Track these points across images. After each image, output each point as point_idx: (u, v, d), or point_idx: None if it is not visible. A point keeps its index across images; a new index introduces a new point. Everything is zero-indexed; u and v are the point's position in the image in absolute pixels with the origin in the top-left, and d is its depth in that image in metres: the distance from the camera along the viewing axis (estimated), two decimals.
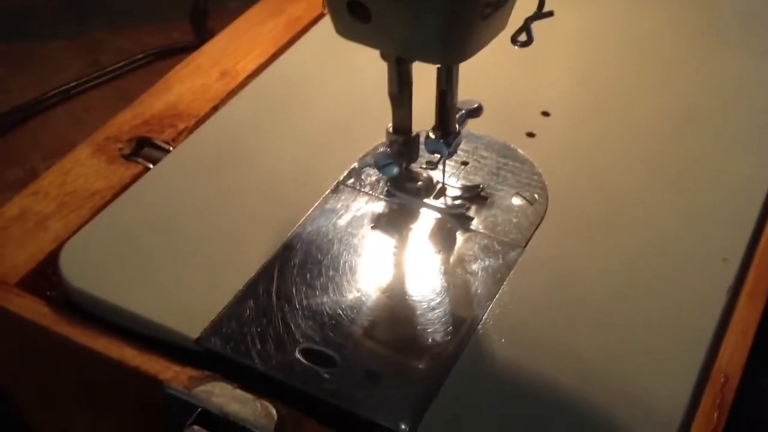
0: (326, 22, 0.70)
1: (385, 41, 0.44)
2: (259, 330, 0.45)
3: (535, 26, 0.46)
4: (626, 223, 0.51)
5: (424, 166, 0.53)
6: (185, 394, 0.42)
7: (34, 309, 0.48)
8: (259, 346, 0.45)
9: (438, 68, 0.48)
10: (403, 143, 0.51)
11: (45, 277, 0.50)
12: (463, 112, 0.51)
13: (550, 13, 0.43)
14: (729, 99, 0.60)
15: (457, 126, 0.50)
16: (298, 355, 0.44)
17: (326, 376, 0.43)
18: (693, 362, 0.43)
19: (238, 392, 0.42)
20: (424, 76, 0.48)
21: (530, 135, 0.57)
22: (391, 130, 0.51)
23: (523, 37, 0.43)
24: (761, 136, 0.56)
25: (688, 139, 0.57)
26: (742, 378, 0.43)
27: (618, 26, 0.67)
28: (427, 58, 0.45)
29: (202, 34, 0.96)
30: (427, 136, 0.51)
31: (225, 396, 0.42)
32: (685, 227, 0.50)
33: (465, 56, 0.44)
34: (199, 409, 0.42)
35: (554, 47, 0.64)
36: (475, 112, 0.51)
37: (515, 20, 0.46)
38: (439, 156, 0.52)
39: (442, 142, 0.50)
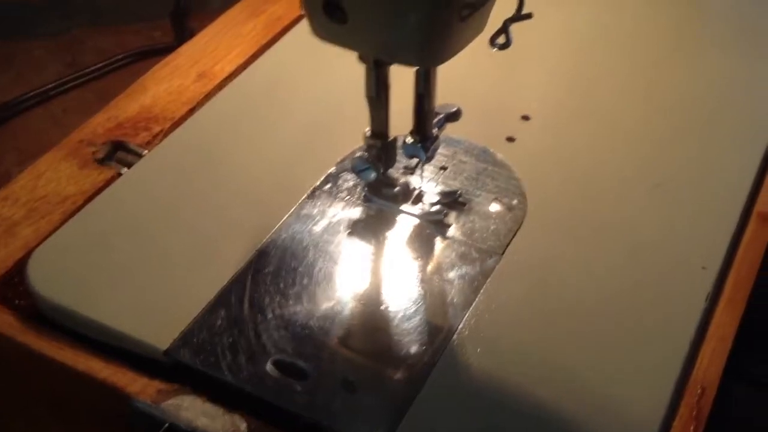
0: (306, 23, 0.68)
1: (362, 43, 0.43)
2: (230, 341, 0.44)
3: (515, 27, 0.45)
4: (605, 230, 0.50)
5: (401, 171, 0.52)
6: (153, 408, 0.41)
7: (0, 319, 0.47)
8: (229, 358, 0.44)
9: (416, 71, 0.47)
10: (380, 147, 0.50)
11: (13, 286, 0.49)
12: (442, 116, 0.50)
13: (529, 15, 0.42)
14: (711, 104, 0.59)
15: (435, 130, 0.49)
16: (270, 367, 0.43)
17: (298, 388, 0.42)
18: (670, 372, 0.42)
19: (208, 406, 0.42)
20: (402, 78, 0.47)
21: (510, 139, 0.56)
22: (368, 134, 0.50)
23: (501, 40, 0.42)
24: (741, 143, 0.56)
25: (668, 146, 0.56)
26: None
27: (600, 27, 0.66)
28: (404, 60, 0.44)
29: (182, 34, 0.95)
30: (405, 141, 0.50)
31: (194, 409, 0.41)
32: (664, 235, 0.49)
33: (443, 58, 0.43)
34: (167, 424, 0.41)
35: (535, 49, 0.63)
36: (454, 116, 0.50)
37: (494, 22, 0.45)
38: (416, 161, 0.51)
39: (420, 147, 0.49)
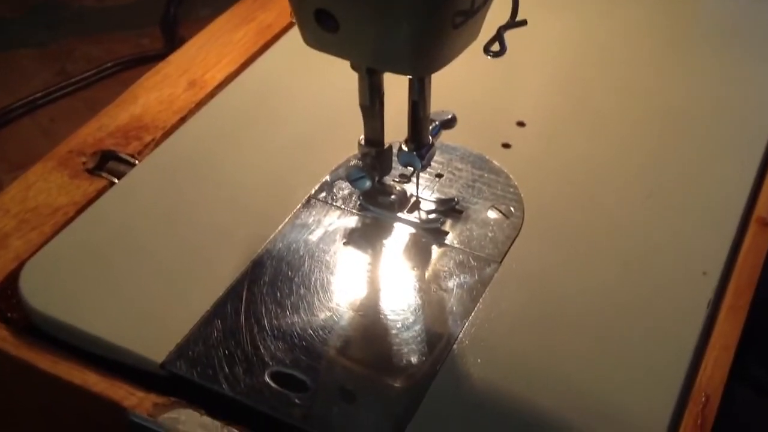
0: (297, 31, 0.68)
1: (355, 51, 0.43)
2: (227, 353, 0.44)
3: (509, 34, 0.45)
4: (604, 236, 0.50)
5: (397, 180, 0.52)
6: (150, 422, 0.41)
7: None
8: (227, 370, 0.43)
9: (410, 78, 0.46)
10: (375, 155, 0.49)
11: (5, 299, 0.48)
12: (437, 123, 0.50)
13: (524, 22, 0.42)
14: (708, 109, 0.59)
15: (430, 138, 0.49)
16: (267, 379, 0.43)
17: (297, 400, 0.42)
18: (674, 380, 0.42)
19: (206, 419, 0.41)
20: (396, 85, 0.47)
21: (506, 146, 0.56)
22: (363, 142, 0.49)
23: (495, 47, 0.42)
24: (739, 147, 0.55)
25: (666, 151, 0.56)
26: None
27: (595, 32, 0.66)
28: (397, 69, 0.43)
29: (172, 42, 0.94)
30: (400, 149, 0.49)
31: (191, 423, 0.41)
32: (664, 240, 0.49)
33: (436, 67, 0.42)
34: None
35: (529, 55, 0.63)
36: (449, 123, 0.50)
37: (488, 28, 0.45)
38: (412, 169, 0.51)
39: (416, 155, 0.49)
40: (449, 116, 0.50)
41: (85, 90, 0.91)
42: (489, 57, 0.41)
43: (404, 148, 0.49)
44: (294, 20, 0.44)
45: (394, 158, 0.50)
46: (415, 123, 0.48)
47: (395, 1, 0.39)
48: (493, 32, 0.45)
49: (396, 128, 0.49)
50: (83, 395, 0.43)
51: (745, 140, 0.56)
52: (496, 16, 0.44)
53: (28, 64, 0.96)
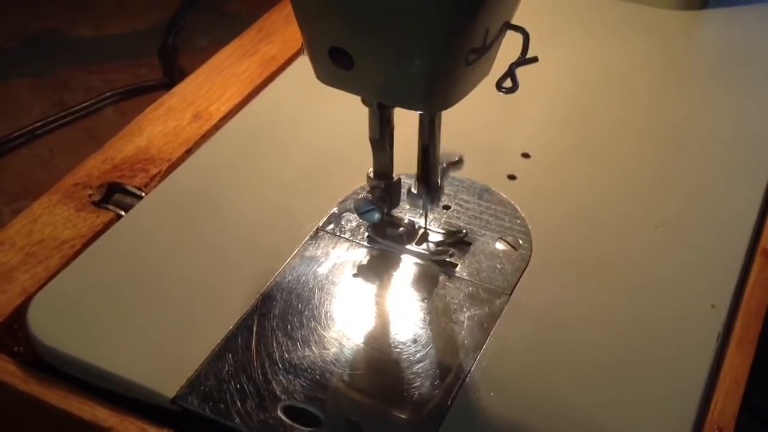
0: (301, 63, 0.69)
1: (368, 88, 0.43)
2: (238, 387, 0.44)
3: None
4: (611, 268, 0.50)
5: (406, 211, 0.52)
6: None
7: (0, 367, 0.46)
8: (239, 405, 0.43)
9: (420, 115, 0.47)
10: (384, 188, 0.50)
11: (12, 333, 0.48)
12: (444, 165, 0.50)
13: (535, 59, 0.43)
14: (710, 139, 0.60)
15: (439, 180, 0.49)
16: (280, 414, 0.42)
17: None
18: (686, 413, 0.42)
19: None
20: (404, 117, 0.47)
21: (511, 177, 0.56)
22: (371, 174, 0.50)
23: (508, 83, 0.42)
24: (744, 178, 0.56)
25: (671, 182, 0.56)
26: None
27: (596, 64, 0.67)
28: (410, 105, 0.44)
29: (171, 72, 0.95)
30: (409, 191, 0.50)
31: None
32: (672, 272, 0.50)
33: (449, 103, 0.43)
34: None
35: (532, 88, 0.63)
36: (457, 164, 0.51)
37: (498, 64, 0.45)
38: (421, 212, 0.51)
39: (426, 198, 0.49)
40: (456, 158, 0.51)
41: (83, 120, 0.91)
42: (501, 93, 0.42)
43: (413, 191, 0.49)
44: (306, 55, 0.44)
45: (403, 190, 0.50)
46: (425, 165, 0.48)
47: (411, 40, 0.39)
48: (502, 67, 0.45)
49: (404, 160, 0.50)
50: (94, 431, 0.43)
51: (749, 171, 0.56)
52: (506, 53, 0.45)
53: (25, 93, 0.96)
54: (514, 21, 0.42)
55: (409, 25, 0.39)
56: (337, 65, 0.42)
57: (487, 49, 0.42)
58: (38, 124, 0.88)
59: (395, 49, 0.40)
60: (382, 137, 0.48)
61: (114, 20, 1.07)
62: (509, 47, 0.45)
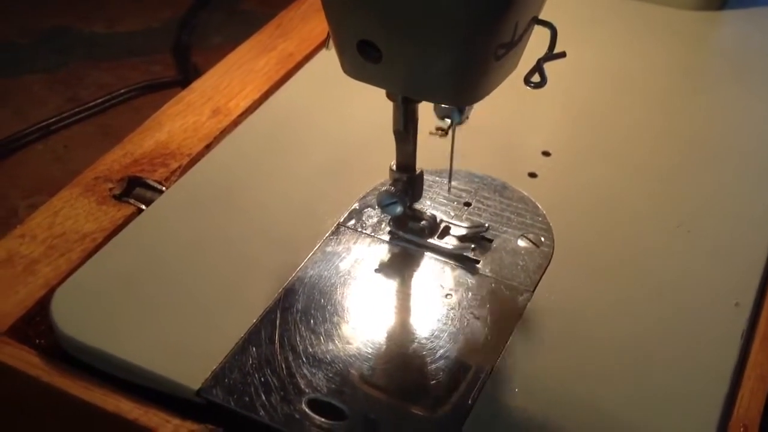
0: (320, 58, 0.69)
1: (395, 82, 0.43)
2: (263, 380, 0.44)
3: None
4: (633, 266, 0.50)
5: (433, 132, 0.51)
6: None
7: (23, 359, 0.46)
8: (263, 398, 0.43)
9: None
10: (407, 181, 0.50)
11: (34, 325, 0.48)
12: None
13: (563, 54, 0.43)
14: (730, 138, 0.60)
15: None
16: (305, 407, 0.42)
17: (336, 429, 0.42)
18: (712, 411, 0.42)
19: None
20: (424, 111, 0.47)
21: (532, 175, 0.56)
22: (394, 167, 0.50)
23: (536, 78, 0.42)
24: (763, 175, 0.56)
25: (692, 180, 0.56)
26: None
27: (615, 64, 0.67)
28: (438, 99, 0.44)
29: (185, 69, 0.95)
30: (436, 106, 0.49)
31: None
32: (694, 271, 0.49)
33: (477, 97, 0.43)
34: None
35: (552, 86, 0.63)
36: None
37: (524, 60, 0.45)
38: (449, 122, 0.49)
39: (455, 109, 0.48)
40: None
41: (97, 116, 0.91)
42: (530, 88, 0.42)
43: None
44: (331, 49, 0.44)
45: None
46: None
47: (440, 34, 0.39)
48: (528, 63, 0.45)
49: (426, 154, 0.50)
50: (117, 422, 0.43)
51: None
52: (532, 48, 0.45)
53: (39, 89, 0.96)
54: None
55: (439, 19, 0.39)
56: (365, 58, 0.42)
57: (515, 43, 0.42)
58: (53, 120, 0.88)
59: (424, 42, 0.40)
60: (406, 130, 0.48)
61: (127, 17, 1.07)
62: (534, 43, 0.45)
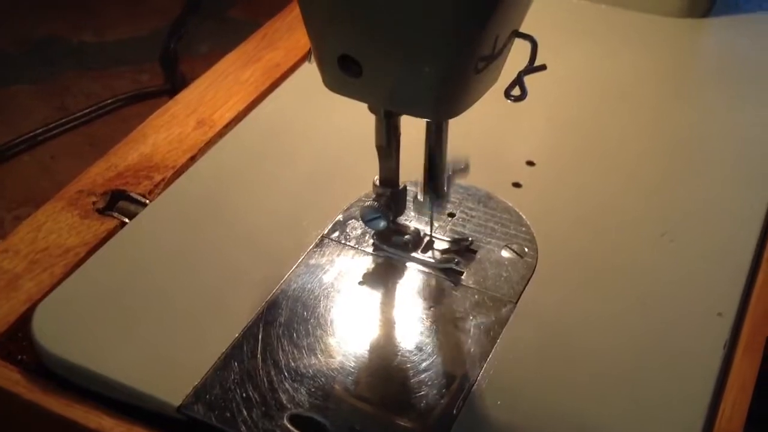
0: (305, 70, 0.69)
1: (376, 96, 0.43)
2: (244, 395, 0.43)
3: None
4: (617, 277, 0.50)
5: (411, 219, 0.52)
6: None
7: (4, 375, 0.46)
8: (245, 414, 0.43)
9: (427, 123, 0.47)
10: (390, 196, 0.50)
11: (16, 341, 0.48)
12: (450, 173, 0.50)
13: (543, 67, 0.42)
14: (715, 147, 0.60)
15: (445, 188, 0.49)
16: (286, 423, 0.42)
17: None
18: (694, 422, 0.42)
19: None
20: (409, 125, 0.47)
21: (516, 185, 0.56)
22: (377, 182, 0.50)
23: (516, 92, 0.42)
24: (748, 185, 0.56)
25: (676, 189, 0.56)
26: None
27: (600, 72, 0.67)
28: (418, 113, 0.44)
29: (172, 78, 0.95)
30: (415, 199, 0.50)
31: None
32: (678, 281, 0.49)
33: (458, 111, 0.43)
34: None
35: (536, 96, 0.63)
36: (463, 170, 0.50)
37: (505, 73, 0.45)
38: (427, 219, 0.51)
39: (432, 205, 0.49)
40: (462, 166, 0.50)
41: (84, 126, 0.91)
42: (510, 101, 0.42)
43: (420, 198, 0.49)
44: (313, 63, 0.44)
45: (408, 198, 0.50)
46: (432, 172, 0.48)
47: (421, 48, 0.39)
48: (509, 76, 0.45)
49: (409, 168, 0.50)
50: None
51: (754, 179, 0.56)
52: (513, 61, 0.45)
53: (27, 99, 0.96)
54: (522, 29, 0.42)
55: (419, 34, 0.39)
56: (345, 73, 0.41)
57: (496, 56, 0.42)
58: (40, 130, 0.88)
59: (404, 57, 0.40)
60: (388, 145, 0.48)
61: (116, 26, 1.07)
62: (516, 56, 0.45)
